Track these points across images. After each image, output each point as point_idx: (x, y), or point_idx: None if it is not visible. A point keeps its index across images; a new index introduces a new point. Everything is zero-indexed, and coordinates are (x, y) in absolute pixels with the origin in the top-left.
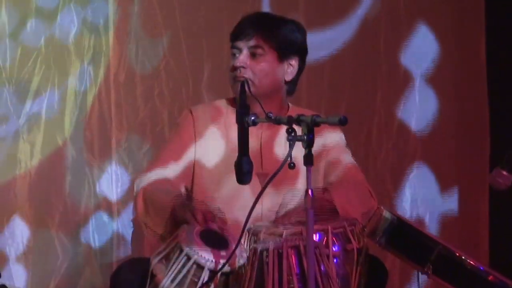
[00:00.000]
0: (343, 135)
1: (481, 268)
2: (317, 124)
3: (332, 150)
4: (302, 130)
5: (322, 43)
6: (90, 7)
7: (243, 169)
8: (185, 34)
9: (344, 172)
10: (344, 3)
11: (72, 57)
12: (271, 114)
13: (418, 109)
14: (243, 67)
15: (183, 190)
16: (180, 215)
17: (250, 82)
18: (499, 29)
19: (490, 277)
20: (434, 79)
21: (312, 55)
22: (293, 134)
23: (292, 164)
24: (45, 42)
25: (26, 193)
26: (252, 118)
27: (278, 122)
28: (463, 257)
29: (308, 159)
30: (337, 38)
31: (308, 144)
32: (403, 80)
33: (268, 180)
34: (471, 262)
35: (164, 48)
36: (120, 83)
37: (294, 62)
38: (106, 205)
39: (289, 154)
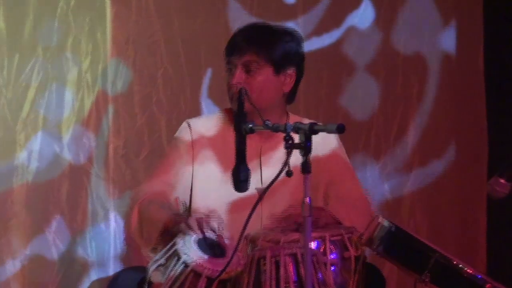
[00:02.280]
0: (343, 149)
1: (479, 276)
2: (315, 132)
3: (335, 170)
4: (299, 137)
5: (320, 51)
6: (88, 14)
7: (240, 177)
8: (183, 42)
9: (346, 193)
10: (341, 12)
11: (69, 65)
12: (269, 122)
13: (416, 117)
14: (240, 83)
15: (180, 205)
16: (174, 228)
17: (246, 98)
18: (497, 34)
19: (488, 286)
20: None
21: (309, 63)
22: (290, 142)
23: (290, 172)
24: (42, 49)
25: (23, 201)
26: (250, 125)
27: (276, 130)
28: (460, 265)
29: (306, 167)
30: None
31: (306, 152)
32: (401, 87)
33: (267, 187)
34: (469, 270)
35: (162, 56)
36: (117, 91)
37: (292, 72)
38: (103, 213)
39: (287, 162)
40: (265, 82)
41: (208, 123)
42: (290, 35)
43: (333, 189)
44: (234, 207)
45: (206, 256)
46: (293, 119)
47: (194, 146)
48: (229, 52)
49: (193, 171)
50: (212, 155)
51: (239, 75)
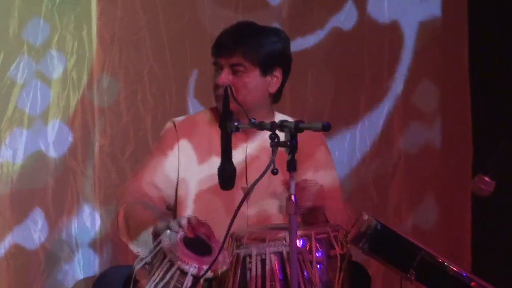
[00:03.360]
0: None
1: (464, 274)
2: (301, 130)
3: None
4: (285, 136)
5: (305, 49)
6: (73, 12)
7: (226, 175)
8: (169, 39)
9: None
10: (326, 11)
11: (55, 62)
12: (254, 120)
13: (402, 116)
14: (226, 84)
15: (164, 206)
16: (161, 227)
17: (232, 95)
18: (482, 34)
19: (473, 284)
20: (417, 87)
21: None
22: (276, 140)
23: (275, 170)
24: (28, 47)
25: (8, 199)
26: (236, 123)
27: (261, 128)
28: (446, 263)
29: (291, 165)
30: (320, 45)
31: (291, 150)
32: (386, 86)
33: (252, 186)
34: (454, 268)
35: (148, 53)
36: (103, 89)
37: (278, 74)
38: (89, 211)
39: (273, 160)
40: (252, 83)
41: (193, 122)
42: (277, 35)
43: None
44: (219, 205)
45: (192, 255)
46: (278, 117)
47: (180, 145)
48: (216, 53)
49: (178, 171)
50: (197, 154)
51: (225, 76)
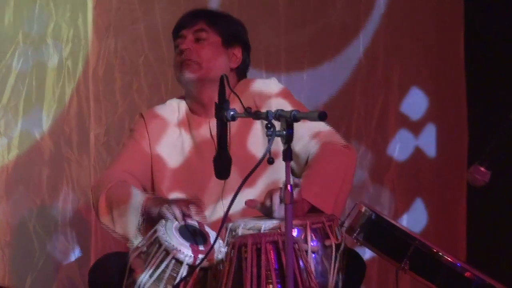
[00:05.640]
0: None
1: (458, 264)
2: (297, 119)
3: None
4: (280, 125)
5: (302, 40)
6: (69, 1)
7: (222, 164)
8: (164, 29)
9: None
10: (323, 6)
11: (50, 51)
12: (250, 109)
13: (396, 105)
14: (189, 50)
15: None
16: (154, 211)
17: (197, 66)
18: (477, 29)
19: (467, 274)
20: (414, 77)
21: (293, 53)
22: (272, 130)
23: (271, 159)
24: (23, 36)
25: (3, 188)
26: (232, 113)
27: (257, 117)
28: (440, 253)
29: (287, 154)
30: (317, 36)
31: (287, 140)
32: (382, 77)
33: (247, 176)
34: (448, 258)
35: (143, 43)
36: (99, 78)
37: (238, 53)
38: (84, 200)
39: (268, 149)
40: (213, 51)
41: (162, 110)
42: (240, 23)
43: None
44: (191, 193)
45: (187, 244)
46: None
47: (150, 133)
48: (180, 27)
49: (151, 157)
50: (169, 139)
51: (189, 41)
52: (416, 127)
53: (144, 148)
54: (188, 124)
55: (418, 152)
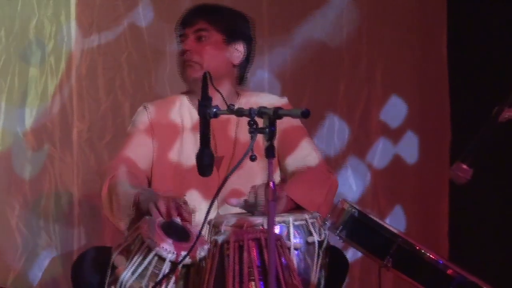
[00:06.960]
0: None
1: (440, 261)
2: (279, 117)
3: (288, 128)
4: (264, 122)
5: (286, 37)
6: None
7: (204, 162)
8: (148, 26)
9: (304, 161)
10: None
11: (33, 48)
12: (233, 106)
13: (380, 102)
14: (191, 51)
15: (146, 182)
16: (144, 207)
17: (198, 67)
18: (460, 30)
19: (449, 271)
20: (396, 76)
21: (276, 50)
22: (255, 127)
23: (253, 157)
24: (5, 32)
25: None
26: (214, 110)
27: (240, 114)
28: (422, 251)
29: (270, 152)
30: (300, 33)
31: (270, 137)
32: (365, 75)
33: (231, 172)
34: (431, 256)
35: (126, 40)
36: (82, 75)
37: (240, 48)
38: (67, 197)
39: (251, 147)
40: (214, 49)
41: (164, 103)
42: (242, 15)
43: (289, 150)
44: (189, 190)
45: (170, 241)
46: (245, 95)
47: (153, 127)
48: (181, 25)
49: (153, 149)
50: (168, 138)
51: (190, 41)
52: (395, 134)
53: (147, 138)
54: (190, 120)
55: (399, 150)
